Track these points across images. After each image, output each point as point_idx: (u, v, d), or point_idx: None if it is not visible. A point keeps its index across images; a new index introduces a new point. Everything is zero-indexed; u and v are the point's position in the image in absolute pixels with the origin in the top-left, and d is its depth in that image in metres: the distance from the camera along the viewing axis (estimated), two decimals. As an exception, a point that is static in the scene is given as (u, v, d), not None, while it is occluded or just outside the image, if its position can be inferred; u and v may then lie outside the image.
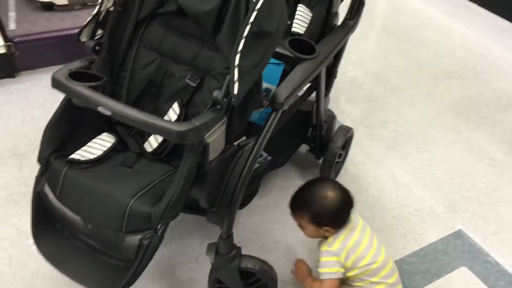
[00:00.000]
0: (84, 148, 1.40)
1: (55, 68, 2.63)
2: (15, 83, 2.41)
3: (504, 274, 1.78)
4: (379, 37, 3.14)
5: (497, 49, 3.08)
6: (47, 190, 1.37)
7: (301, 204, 1.53)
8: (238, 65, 1.17)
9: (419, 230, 1.92)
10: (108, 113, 1.17)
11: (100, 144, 1.42)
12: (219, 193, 1.39)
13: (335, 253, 1.50)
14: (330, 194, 1.50)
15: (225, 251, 1.45)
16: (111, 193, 1.29)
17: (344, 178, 2.10)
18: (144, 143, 1.46)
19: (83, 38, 1.41)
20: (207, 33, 1.37)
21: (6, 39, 2.31)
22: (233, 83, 1.17)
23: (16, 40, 2.33)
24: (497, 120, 2.51)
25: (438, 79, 2.78)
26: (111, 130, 1.49)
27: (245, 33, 1.17)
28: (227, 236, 1.43)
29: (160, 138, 1.43)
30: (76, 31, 2.55)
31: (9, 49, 2.29)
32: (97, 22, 1.40)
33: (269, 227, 1.88)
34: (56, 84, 1.24)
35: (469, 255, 1.85)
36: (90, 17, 1.39)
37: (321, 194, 1.50)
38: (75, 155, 1.37)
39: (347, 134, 1.96)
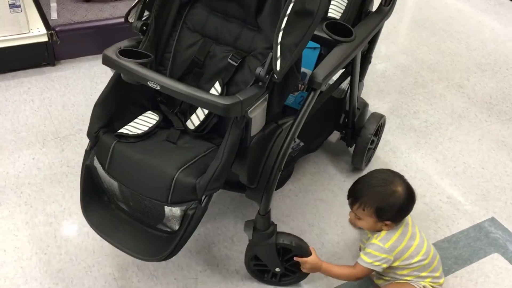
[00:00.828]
0: (131, 124, 1.46)
1: (93, 57, 2.73)
2: (55, 71, 2.50)
3: (537, 261, 1.79)
4: (409, 30, 3.14)
5: (530, 43, 3.06)
6: (96, 163, 1.44)
7: (366, 196, 1.49)
8: (281, 43, 1.21)
9: (451, 216, 1.93)
10: (157, 87, 1.22)
11: (145, 121, 1.48)
12: (258, 170, 1.43)
13: (387, 251, 1.49)
14: (399, 189, 1.47)
15: (263, 228, 1.49)
16: (158, 166, 1.35)
17: (374, 165, 2.12)
18: (186, 121, 1.51)
19: (131, 18, 1.47)
20: (250, 13, 1.42)
21: (48, 27, 2.40)
22: (276, 59, 1.22)
23: (57, 29, 2.42)
24: (530, 112, 2.50)
25: (470, 72, 2.77)
26: (154, 109, 1.55)
27: (288, 11, 1.21)
28: (265, 213, 1.47)
29: (202, 116, 1.48)
30: (114, 21, 2.64)
31: (51, 37, 2.38)
32: (144, 3, 1.46)
33: (301, 210, 1.91)
34: (107, 60, 1.30)
35: (502, 242, 1.85)
36: None
37: (391, 188, 1.47)
38: (124, 130, 1.43)
39: (380, 121, 1.99)
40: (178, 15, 1.52)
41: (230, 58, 1.46)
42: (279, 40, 1.22)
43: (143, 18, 1.48)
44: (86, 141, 2.08)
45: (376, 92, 2.58)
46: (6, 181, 1.90)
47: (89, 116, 2.23)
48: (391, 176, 1.53)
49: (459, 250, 1.81)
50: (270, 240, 1.51)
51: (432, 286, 1.56)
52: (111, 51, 1.31)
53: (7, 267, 1.62)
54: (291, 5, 1.21)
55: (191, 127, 1.50)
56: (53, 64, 2.52)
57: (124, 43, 1.41)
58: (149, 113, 1.52)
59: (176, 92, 1.23)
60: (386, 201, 1.47)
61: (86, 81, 2.45)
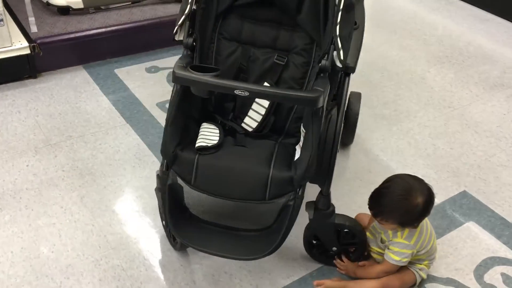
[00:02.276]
0: (201, 137, 1.53)
1: (74, 68, 2.80)
2: (38, 83, 2.54)
3: (508, 225, 1.97)
4: (371, 31, 3.35)
5: (481, 37, 3.32)
6: (177, 181, 1.49)
7: (388, 213, 1.52)
8: (339, 35, 1.36)
9: (428, 192, 2.10)
10: (246, 94, 1.30)
11: (211, 132, 1.56)
12: (320, 155, 1.51)
13: (412, 247, 1.57)
14: (419, 201, 1.50)
15: (324, 207, 1.58)
16: (250, 168, 1.44)
17: (353, 151, 2.28)
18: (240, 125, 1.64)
19: (179, 37, 1.53)
20: (290, 14, 1.55)
21: (30, 40, 2.45)
22: (339, 50, 1.36)
23: (39, 41, 2.47)
24: (487, 97, 2.73)
25: (430, 65, 2.99)
26: (205, 120, 1.63)
27: (341, 6, 1.37)
28: (327, 193, 1.56)
29: (257, 117, 1.60)
30: (94, 32, 2.71)
31: (33, 50, 2.43)
32: (189, 20, 1.52)
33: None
34: (180, 79, 1.35)
35: (475, 211, 2.03)
36: (183, 17, 1.50)
37: (412, 202, 1.49)
38: (201, 143, 1.49)
39: (360, 98, 2.22)
40: (213, 27, 1.62)
41: (276, 59, 1.59)
42: (337, 33, 1.36)
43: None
44: (77, 147, 2.17)
45: (347, 87, 2.75)
46: (4, 188, 1.94)
47: (77, 123, 2.31)
48: (409, 189, 1.52)
49: (438, 221, 1.97)
50: (330, 219, 1.59)
51: (427, 266, 1.69)
52: (181, 69, 1.34)
53: (17, 266, 1.66)
54: (343, 0, 1.37)
55: (249, 129, 1.61)
56: (34, 77, 2.56)
57: (182, 62, 1.43)
58: (206, 125, 1.59)
59: (266, 95, 1.35)
60: (408, 215, 1.51)
61: (69, 91, 2.50)
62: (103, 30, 2.64)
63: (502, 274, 1.78)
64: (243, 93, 1.30)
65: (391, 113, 2.57)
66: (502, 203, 2.07)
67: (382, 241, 1.66)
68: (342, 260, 1.70)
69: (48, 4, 2.67)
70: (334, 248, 1.68)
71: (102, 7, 2.76)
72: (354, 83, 2.78)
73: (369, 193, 2.06)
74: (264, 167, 1.44)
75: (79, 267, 1.68)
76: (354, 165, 2.22)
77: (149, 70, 2.72)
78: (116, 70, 2.69)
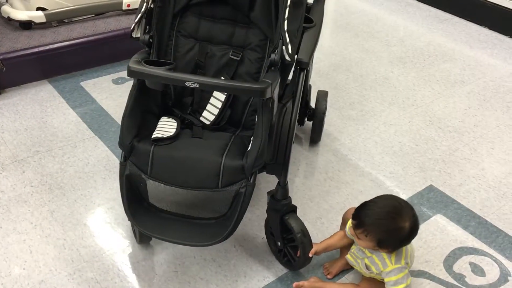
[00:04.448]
0: (158, 129, 1.57)
1: (38, 83, 2.77)
2: (2, 99, 2.50)
3: (474, 216, 2.03)
4: (335, 34, 3.42)
5: (440, 36, 3.43)
6: (135, 172, 1.51)
7: (370, 226, 1.48)
8: (287, 30, 1.42)
9: (395, 188, 2.16)
10: (196, 85, 1.34)
11: (168, 125, 1.60)
12: (275, 146, 1.57)
13: (405, 266, 1.56)
14: (406, 225, 1.47)
15: (280, 197, 1.61)
16: (203, 158, 1.48)
17: (322, 151, 2.32)
18: (199, 118, 1.68)
19: (136, 34, 1.58)
20: (243, 12, 1.62)
21: (-9, 57, 2.41)
22: (287, 45, 1.42)
23: (1, 57, 2.43)
24: (448, 94, 2.82)
25: (393, 65, 3.07)
26: (164, 114, 1.68)
27: (288, 3, 1.43)
28: (284, 184, 1.60)
29: (215, 111, 1.65)
30: (57, 45, 2.70)
31: (-4, 66, 2.40)
32: (146, 18, 1.58)
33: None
34: (135, 73, 1.39)
35: (442, 204, 2.09)
36: (140, 15, 1.57)
37: (397, 224, 1.47)
38: (157, 134, 1.54)
39: (327, 96, 2.30)
40: (171, 25, 1.68)
41: (231, 55, 1.65)
42: (285, 28, 1.42)
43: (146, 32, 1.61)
44: (45, 161, 2.14)
45: (314, 89, 2.79)
46: (-29, 207, 1.91)
47: (44, 137, 2.28)
48: (399, 209, 1.50)
49: (407, 216, 2.03)
50: (280, 210, 1.62)
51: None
52: (136, 64, 1.39)
53: (-13, 285, 1.64)
54: None
55: (206, 122, 1.67)
56: (-2, 93, 2.52)
57: (138, 57, 1.49)
58: (165, 118, 1.65)
59: (216, 87, 1.40)
60: (389, 235, 1.49)
61: (35, 105, 2.47)
62: (67, 43, 2.62)
63: (470, 263, 1.84)
64: (193, 85, 1.34)
65: (357, 113, 2.62)
66: (467, 195, 2.14)
67: (367, 267, 1.62)
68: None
69: (9, 19, 2.64)
70: (279, 243, 1.71)
71: (65, 21, 2.74)
72: (321, 85, 2.86)
73: (340, 193, 2.12)
74: (217, 157, 1.49)
75: (52, 283, 1.65)
76: (324, 166, 2.25)
77: (116, 81, 2.71)
78: (82, 83, 2.67)
